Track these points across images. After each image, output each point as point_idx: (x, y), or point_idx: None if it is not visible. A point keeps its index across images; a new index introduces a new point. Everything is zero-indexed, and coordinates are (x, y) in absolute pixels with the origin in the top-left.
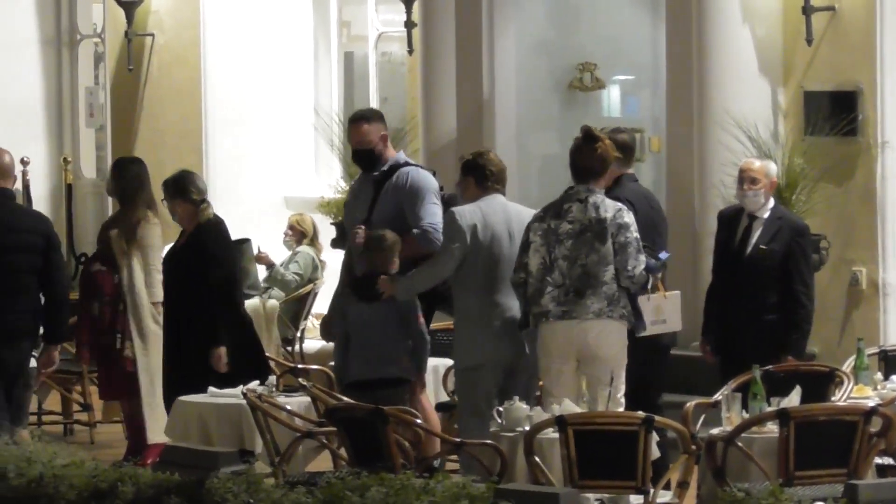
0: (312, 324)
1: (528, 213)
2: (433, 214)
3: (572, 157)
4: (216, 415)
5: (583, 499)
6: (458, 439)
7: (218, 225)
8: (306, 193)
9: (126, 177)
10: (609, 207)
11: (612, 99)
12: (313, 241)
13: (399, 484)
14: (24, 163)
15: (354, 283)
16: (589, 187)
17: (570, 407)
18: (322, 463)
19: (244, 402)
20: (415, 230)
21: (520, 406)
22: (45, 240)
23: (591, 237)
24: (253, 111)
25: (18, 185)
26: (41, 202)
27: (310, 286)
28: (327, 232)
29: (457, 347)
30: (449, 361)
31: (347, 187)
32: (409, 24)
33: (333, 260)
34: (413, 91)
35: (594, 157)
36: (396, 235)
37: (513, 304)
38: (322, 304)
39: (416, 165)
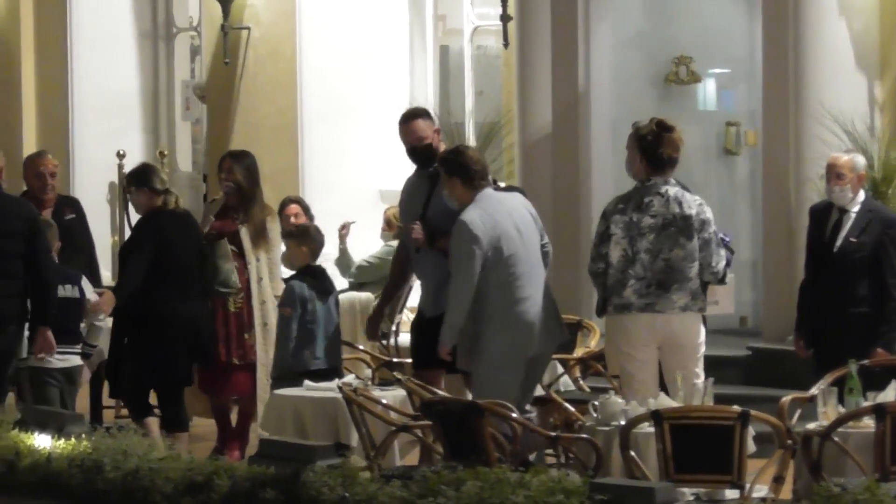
0: (407, 317)
1: (520, 201)
2: None
3: (647, 149)
4: (312, 408)
5: (678, 493)
6: (553, 433)
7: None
8: (399, 187)
9: (249, 170)
10: (691, 203)
11: (707, 92)
12: None
13: (494, 478)
14: (119, 156)
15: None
16: (666, 179)
17: (665, 401)
18: (417, 456)
19: (340, 395)
20: None
21: (615, 400)
22: (29, 224)
23: (674, 232)
24: (348, 105)
25: (114, 178)
26: None
27: None
28: None
29: (483, 348)
30: None
31: None
32: (504, 18)
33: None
34: (508, 85)
35: (671, 147)
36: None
37: (535, 296)
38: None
39: None
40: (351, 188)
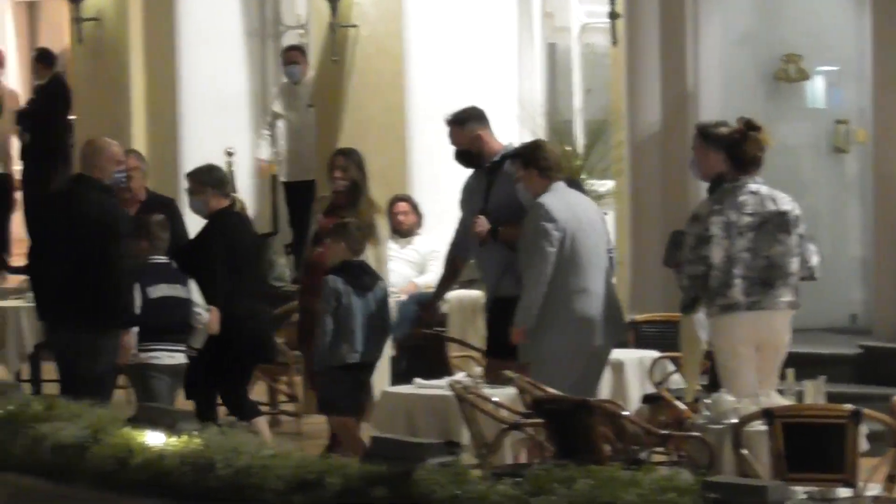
0: None
1: (587, 201)
2: None
3: (734, 149)
4: (423, 406)
5: (790, 492)
6: (664, 431)
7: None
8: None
9: (360, 166)
10: (785, 199)
11: (816, 90)
12: None
13: (606, 476)
14: (228, 154)
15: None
16: (755, 178)
17: (776, 399)
18: (528, 454)
19: (451, 393)
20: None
21: (727, 398)
22: (107, 229)
23: (772, 229)
24: (456, 103)
25: None
26: (246, 193)
27: None
28: None
29: (542, 340)
30: (654, 353)
31: None
32: (612, 15)
33: None
34: (616, 82)
35: (758, 146)
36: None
37: (597, 292)
38: None
39: None
40: (459, 185)
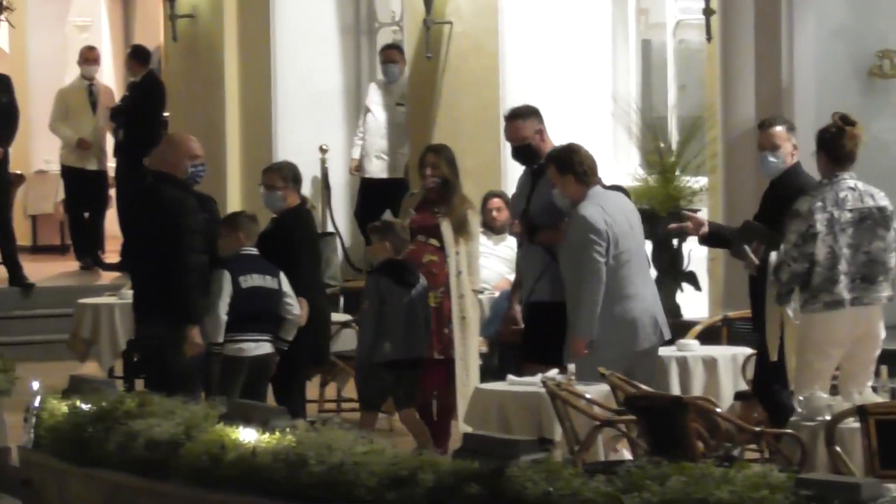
0: None
1: (626, 201)
2: None
3: (831, 144)
4: (515, 403)
5: (884, 489)
6: (757, 428)
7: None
8: (604, 181)
9: (452, 163)
10: (880, 194)
11: None
12: None
13: (699, 473)
14: (322, 150)
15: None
16: (852, 174)
17: (869, 396)
18: (621, 451)
19: (544, 390)
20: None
21: (820, 395)
22: (177, 224)
23: (871, 224)
24: (550, 99)
25: (317, 173)
26: (339, 189)
27: None
28: None
29: (595, 343)
30: (747, 350)
31: (646, 175)
32: (707, 12)
33: None
34: (711, 79)
35: (854, 142)
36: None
37: (642, 294)
38: None
39: None
40: None
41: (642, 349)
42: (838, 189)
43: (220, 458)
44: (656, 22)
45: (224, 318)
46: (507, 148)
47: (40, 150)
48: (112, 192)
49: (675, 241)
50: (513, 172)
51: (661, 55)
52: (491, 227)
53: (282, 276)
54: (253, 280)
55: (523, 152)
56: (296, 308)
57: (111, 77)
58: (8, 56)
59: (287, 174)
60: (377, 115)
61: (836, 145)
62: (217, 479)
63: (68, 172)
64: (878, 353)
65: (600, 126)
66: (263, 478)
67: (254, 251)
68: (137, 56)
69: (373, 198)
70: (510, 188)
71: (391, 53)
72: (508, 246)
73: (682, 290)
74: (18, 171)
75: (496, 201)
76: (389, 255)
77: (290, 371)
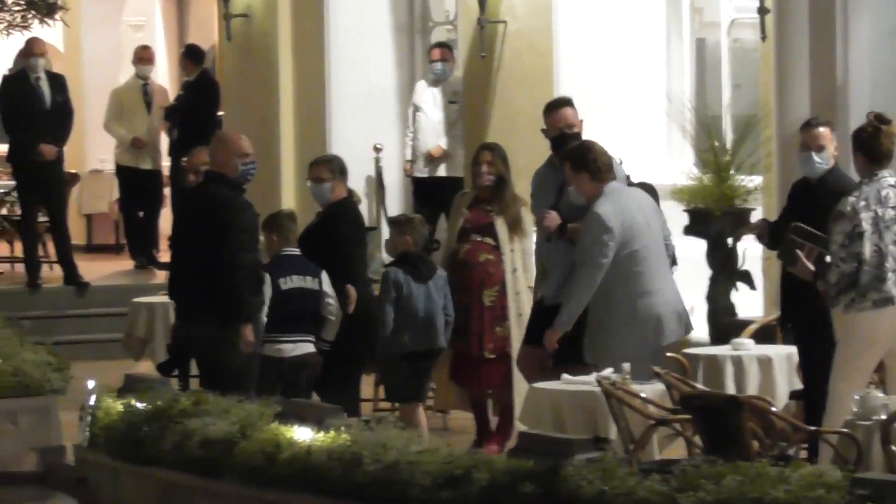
0: None
1: (645, 197)
2: None
3: (869, 143)
4: (570, 402)
5: None
6: (812, 427)
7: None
8: (658, 180)
9: (506, 161)
10: None
11: None
12: None
13: (754, 472)
14: (376, 149)
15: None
16: (891, 171)
17: None
18: (676, 450)
19: (599, 389)
20: None
21: (876, 394)
22: (226, 223)
23: None
24: (604, 98)
25: (371, 172)
26: (393, 188)
27: None
28: (679, 218)
29: (610, 341)
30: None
31: (700, 174)
32: (762, 11)
33: (684, 248)
34: (765, 78)
35: (891, 140)
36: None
37: (663, 290)
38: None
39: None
40: None
41: (669, 343)
42: (879, 187)
43: (274, 457)
44: (711, 21)
45: (263, 319)
46: None
47: (95, 150)
48: (166, 191)
49: (729, 240)
50: None
51: (716, 54)
52: None
53: (323, 276)
54: (293, 282)
55: (571, 140)
56: (335, 308)
57: (165, 76)
58: (63, 55)
59: (334, 166)
60: (430, 114)
61: (874, 144)
62: (272, 478)
63: (123, 172)
64: None
65: (654, 125)
66: (318, 477)
67: (295, 252)
68: (191, 55)
69: (427, 197)
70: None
71: (441, 52)
72: None
73: (736, 289)
74: (73, 171)
75: None
76: (409, 249)
77: (343, 368)
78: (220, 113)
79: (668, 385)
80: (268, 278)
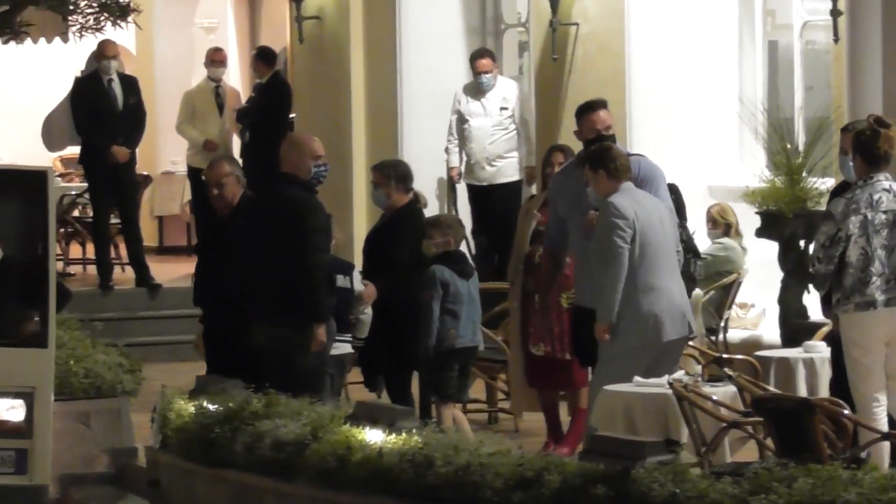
0: (736, 313)
1: (656, 200)
2: (668, 199)
3: (866, 146)
4: (642, 404)
5: None
6: (885, 430)
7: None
8: (730, 182)
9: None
10: None
11: None
12: (734, 231)
13: (826, 475)
14: (448, 152)
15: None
16: (886, 175)
17: None
18: (748, 453)
19: (670, 391)
20: None
21: None
22: (298, 223)
23: None
24: (677, 101)
25: (443, 174)
26: (464, 190)
27: (734, 276)
28: (752, 221)
29: (615, 333)
30: None
31: (772, 177)
32: (834, 13)
33: (756, 250)
34: (838, 80)
35: (889, 143)
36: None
37: (668, 287)
38: (744, 293)
39: (637, 154)
40: (679, 183)
41: (669, 341)
42: (872, 191)
43: (346, 460)
44: (783, 23)
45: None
46: (633, 148)
47: (167, 152)
48: None
49: (801, 243)
50: None
51: (788, 56)
52: None
53: (355, 273)
54: (342, 281)
55: (598, 141)
56: (367, 305)
57: (237, 79)
58: (135, 58)
59: (388, 171)
60: (479, 123)
61: (872, 147)
62: (343, 481)
63: (195, 174)
64: None
65: (727, 127)
66: (389, 479)
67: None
68: (263, 57)
69: (483, 204)
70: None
71: (483, 64)
72: None
73: (808, 292)
74: (145, 173)
75: None
76: (449, 248)
77: (400, 369)
78: (292, 115)
79: (739, 388)
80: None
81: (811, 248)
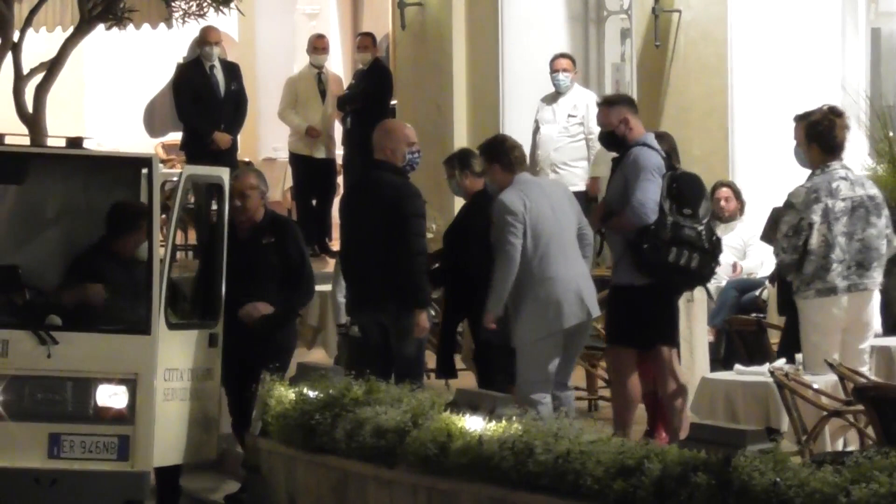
0: None
1: (556, 185)
2: (643, 191)
3: (825, 135)
4: (742, 392)
5: None
6: None
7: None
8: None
9: (674, 150)
10: (868, 182)
11: None
12: None
13: None
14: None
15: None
16: (842, 163)
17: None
18: (849, 442)
19: (771, 380)
20: (627, 207)
21: None
22: (397, 210)
23: (864, 213)
24: (779, 88)
25: None
26: None
27: None
28: None
29: (519, 325)
30: None
31: (874, 164)
32: None
33: None
34: None
35: (844, 133)
36: None
37: (567, 275)
38: None
39: (650, 147)
40: (781, 171)
41: (570, 326)
42: (830, 178)
43: (446, 446)
44: (886, 10)
45: (341, 300)
46: (735, 136)
47: (268, 138)
48: (339, 179)
49: None
50: (741, 160)
51: (892, 43)
52: (719, 217)
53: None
54: None
55: (607, 138)
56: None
57: (339, 65)
58: (237, 44)
59: (452, 161)
60: (547, 130)
61: (829, 136)
62: (444, 468)
63: (297, 160)
64: (869, 338)
65: None
66: (490, 466)
67: None
68: (370, 36)
69: None
70: (738, 176)
71: (562, 63)
72: (737, 235)
73: None
74: (247, 159)
75: (724, 191)
76: None
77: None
78: (394, 101)
79: (841, 376)
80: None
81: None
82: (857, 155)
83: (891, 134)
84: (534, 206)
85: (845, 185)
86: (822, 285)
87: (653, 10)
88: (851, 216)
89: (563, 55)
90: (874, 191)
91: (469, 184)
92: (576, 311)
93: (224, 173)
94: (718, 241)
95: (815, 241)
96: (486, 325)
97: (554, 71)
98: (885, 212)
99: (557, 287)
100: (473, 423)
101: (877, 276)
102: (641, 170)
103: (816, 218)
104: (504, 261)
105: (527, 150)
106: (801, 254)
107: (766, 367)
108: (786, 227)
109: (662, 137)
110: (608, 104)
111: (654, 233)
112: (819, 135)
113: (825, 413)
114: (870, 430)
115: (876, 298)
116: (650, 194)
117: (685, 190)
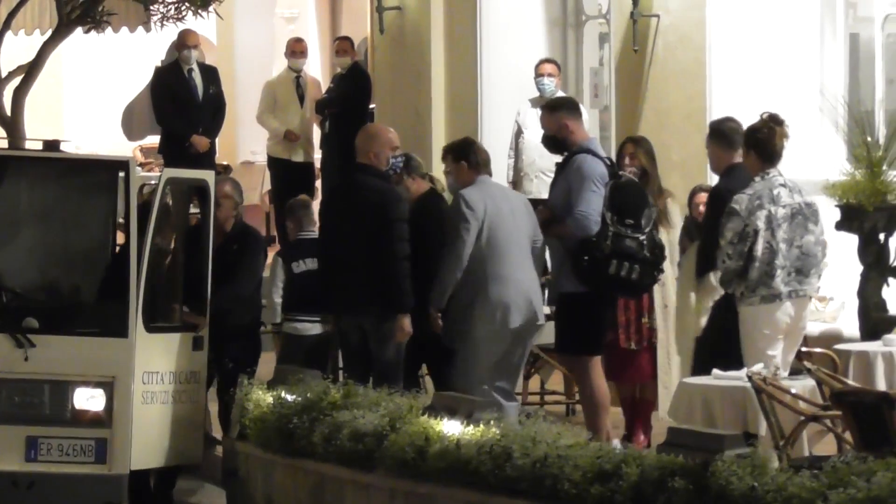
0: (815, 307)
1: (513, 193)
2: (586, 202)
3: (764, 142)
4: (720, 397)
5: None
6: None
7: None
8: (811, 175)
9: (650, 154)
10: (806, 191)
11: None
12: None
13: None
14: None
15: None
16: (779, 171)
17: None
18: (826, 447)
19: (749, 384)
20: (569, 217)
21: None
22: (381, 215)
23: (802, 220)
24: (757, 93)
25: None
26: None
27: None
28: (831, 214)
29: (469, 322)
30: None
31: (852, 170)
32: None
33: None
34: None
35: (783, 141)
36: None
37: (518, 278)
38: (824, 286)
39: (594, 153)
40: None
41: (517, 327)
42: (770, 186)
43: (424, 450)
44: (864, 15)
45: (277, 301)
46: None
47: (247, 142)
48: (318, 183)
49: (881, 236)
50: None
51: (870, 49)
52: (697, 223)
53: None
54: (305, 265)
55: (549, 141)
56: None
57: (318, 69)
58: (216, 48)
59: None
60: (530, 135)
61: (769, 144)
62: (422, 472)
63: (275, 164)
64: (799, 343)
65: (807, 120)
66: (468, 470)
67: (313, 234)
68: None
69: None
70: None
71: (546, 67)
72: None
73: (888, 285)
74: (225, 163)
75: (703, 195)
76: None
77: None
78: (372, 106)
79: (818, 381)
80: (280, 262)
81: (891, 241)
82: (835, 160)
83: (869, 139)
84: (494, 207)
85: (785, 192)
86: (767, 291)
87: (631, 15)
88: (791, 223)
89: (547, 60)
90: (810, 198)
91: (415, 187)
92: (523, 313)
93: (209, 176)
94: (661, 249)
95: (759, 247)
96: (433, 323)
97: (539, 75)
98: (821, 219)
99: (510, 288)
100: (451, 427)
101: (815, 283)
102: (584, 179)
103: (761, 224)
104: (452, 254)
105: (508, 154)
106: (745, 260)
107: (743, 371)
108: (730, 233)
109: (637, 141)
110: (548, 108)
111: (595, 245)
112: (758, 142)
113: (803, 418)
114: (847, 435)
115: (810, 304)
116: (593, 205)
117: (627, 200)
